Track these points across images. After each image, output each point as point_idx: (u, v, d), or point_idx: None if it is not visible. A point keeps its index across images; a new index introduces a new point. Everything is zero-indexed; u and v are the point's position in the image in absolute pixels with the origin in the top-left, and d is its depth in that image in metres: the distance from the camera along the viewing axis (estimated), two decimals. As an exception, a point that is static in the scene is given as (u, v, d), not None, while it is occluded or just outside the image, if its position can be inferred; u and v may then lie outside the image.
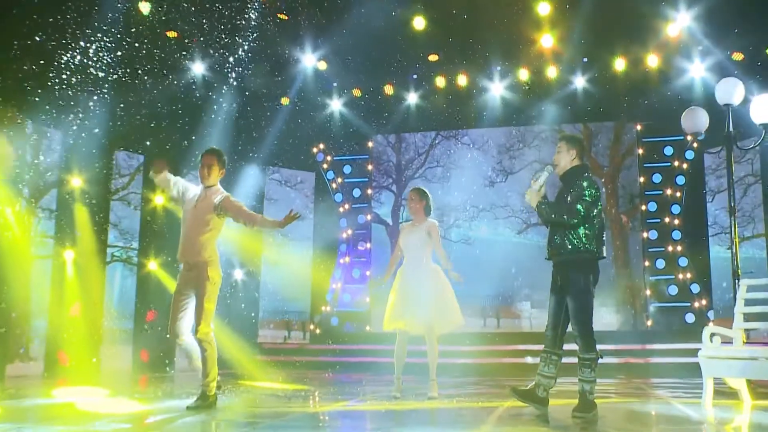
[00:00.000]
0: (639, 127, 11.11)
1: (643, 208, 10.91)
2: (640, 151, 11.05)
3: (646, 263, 10.76)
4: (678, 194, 10.72)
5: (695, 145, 10.64)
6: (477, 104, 10.80)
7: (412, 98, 10.99)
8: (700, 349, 5.32)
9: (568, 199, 4.55)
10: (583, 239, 4.48)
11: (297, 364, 10.03)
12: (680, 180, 10.76)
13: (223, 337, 8.38)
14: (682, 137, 10.37)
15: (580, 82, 10.38)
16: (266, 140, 10.61)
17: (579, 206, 4.43)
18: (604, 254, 4.61)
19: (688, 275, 10.44)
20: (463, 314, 5.90)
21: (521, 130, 11.49)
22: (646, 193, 10.92)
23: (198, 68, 9.65)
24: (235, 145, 9.93)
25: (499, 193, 11.32)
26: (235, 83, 9.70)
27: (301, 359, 10.38)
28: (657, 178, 10.88)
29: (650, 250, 10.74)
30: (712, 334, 5.43)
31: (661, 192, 10.81)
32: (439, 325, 5.74)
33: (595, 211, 4.52)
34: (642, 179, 10.99)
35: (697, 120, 6.75)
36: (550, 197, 4.66)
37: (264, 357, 9.93)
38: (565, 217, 4.46)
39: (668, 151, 10.90)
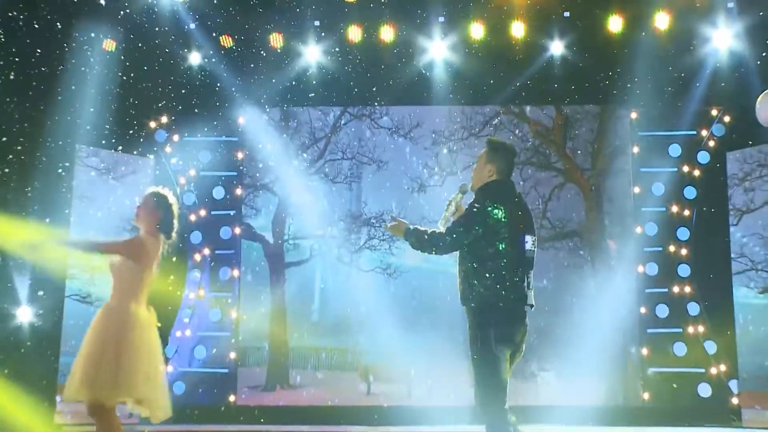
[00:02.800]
0: (634, 116, 9.91)
1: (639, 230, 9.73)
2: (635, 150, 9.88)
3: (642, 310, 9.55)
4: (687, 212, 9.63)
5: (712, 143, 9.58)
6: (406, 71, 9.76)
7: (311, 55, 9.78)
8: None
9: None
10: (478, 280, 4.49)
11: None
12: (690, 192, 9.68)
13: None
14: (694, 131, 9.64)
15: (557, 47, 9.46)
16: (76, 105, 8.95)
17: (454, 230, 4.55)
18: (525, 299, 4.51)
19: (701, 329, 9.38)
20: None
21: (467, 111, 10.17)
22: (643, 209, 9.78)
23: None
24: (25, 110, 8.40)
25: (434, 202, 9.82)
26: (27, 14, 8.23)
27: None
28: (658, 188, 9.71)
29: (648, 291, 9.60)
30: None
31: (663, 209, 9.70)
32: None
33: (497, 238, 4.48)
34: (637, 189, 9.81)
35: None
36: None
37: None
38: (433, 244, 4.64)
39: (674, 150, 9.70)
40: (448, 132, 10.24)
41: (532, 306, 4.54)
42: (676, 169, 9.73)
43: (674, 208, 9.67)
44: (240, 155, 10.22)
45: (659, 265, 9.66)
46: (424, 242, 4.64)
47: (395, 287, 9.91)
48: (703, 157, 9.68)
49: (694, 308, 9.48)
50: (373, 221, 10.21)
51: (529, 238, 4.59)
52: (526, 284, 4.52)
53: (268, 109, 10.40)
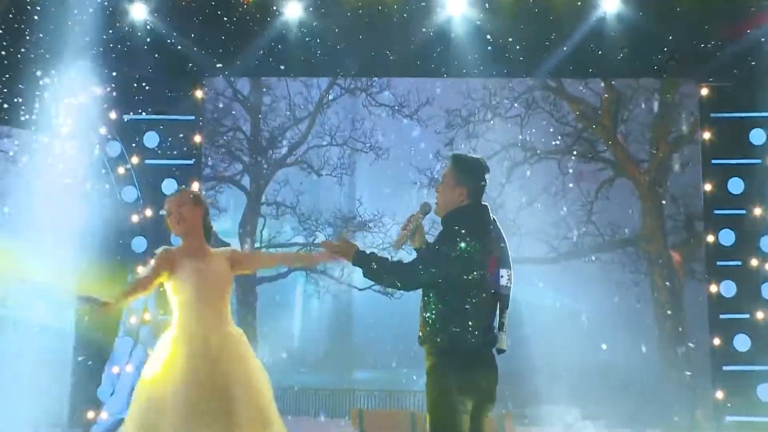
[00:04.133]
0: (705, 92, 9.25)
1: (711, 239, 9.08)
2: (707, 136, 9.19)
3: (716, 341, 8.78)
4: (774, 216, 9.11)
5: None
6: (414, 33, 9.07)
7: (292, 11, 8.94)
8: None
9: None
10: (442, 318, 4.28)
11: None
12: (779, 191, 9.14)
13: None
14: (786, 111, 8.95)
15: (610, 2, 8.63)
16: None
17: (424, 265, 4.33)
18: (493, 343, 4.31)
19: (793, 368, 8.71)
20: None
21: (491, 86, 9.77)
22: (717, 212, 9.13)
23: None
24: None
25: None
26: None
27: None
28: (736, 185, 9.01)
29: (723, 317, 8.84)
30: None
31: (744, 212, 8.99)
32: None
33: (467, 273, 4.29)
34: (709, 187, 9.15)
35: None
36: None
37: None
38: (398, 278, 4.39)
39: (757, 137, 8.97)
40: (467, 111, 10.09)
41: (502, 351, 4.43)
42: (760, 161, 9.07)
43: (756, 211, 8.96)
44: (197, 139, 9.51)
45: (738, 284, 8.97)
46: (385, 274, 4.44)
47: (397, 310, 9.46)
48: (793, 145, 9.16)
49: (784, 341, 8.87)
50: (370, 225, 9.80)
51: (504, 273, 4.48)
52: (497, 326, 4.43)
53: (234, 80, 9.96)
